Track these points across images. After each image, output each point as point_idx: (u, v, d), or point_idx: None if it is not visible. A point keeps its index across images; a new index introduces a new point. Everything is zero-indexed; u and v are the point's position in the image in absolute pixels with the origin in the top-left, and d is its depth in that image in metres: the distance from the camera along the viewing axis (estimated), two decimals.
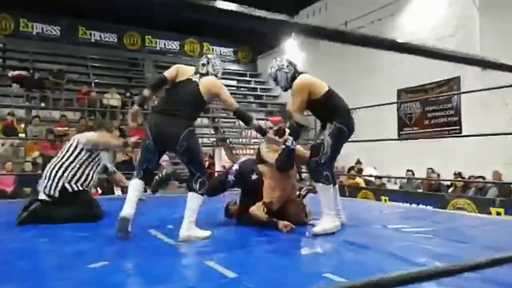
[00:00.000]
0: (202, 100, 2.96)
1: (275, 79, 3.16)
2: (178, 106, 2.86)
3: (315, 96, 2.98)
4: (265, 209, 3.01)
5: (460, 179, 8.28)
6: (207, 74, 3.02)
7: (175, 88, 2.94)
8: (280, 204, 3.11)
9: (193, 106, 2.94)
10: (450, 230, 3.02)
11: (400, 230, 2.94)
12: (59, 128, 9.21)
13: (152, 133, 2.87)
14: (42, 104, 10.56)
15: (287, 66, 3.11)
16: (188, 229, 2.64)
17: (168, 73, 2.97)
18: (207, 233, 2.72)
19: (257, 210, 3.04)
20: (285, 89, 3.16)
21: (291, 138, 2.95)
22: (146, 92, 2.91)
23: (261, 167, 3.22)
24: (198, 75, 2.99)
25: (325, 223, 2.83)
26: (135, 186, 2.80)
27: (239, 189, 3.45)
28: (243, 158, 3.54)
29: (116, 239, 2.62)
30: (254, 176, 3.23)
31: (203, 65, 3.07)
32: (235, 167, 3.36)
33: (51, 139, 8.60)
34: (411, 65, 10.06)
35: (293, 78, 3.07)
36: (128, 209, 2.65)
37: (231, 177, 3.29)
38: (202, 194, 2.77)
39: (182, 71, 2.99)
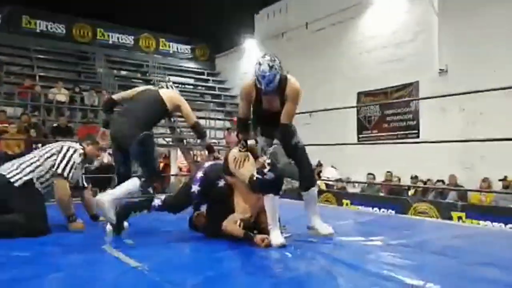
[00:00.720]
0: (164, 108, 3.22)
1: (271, 81, 2.64)
2: (137, 111, 3.12)
3: None
4: (242, 225, 2.67)
5: (419, 182, 8.39)
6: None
7: (136, 97, 3.26)
8: (254, 215, 2.78)
9: (152, 111, 3.18)
10: (429, 241, 2.84)
11: (385, 243, 2.71)
12: None
13: (111, 132, 3.18)
14: None
15: (279, 66, 2.67)
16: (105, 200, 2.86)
17: (117, 94, 3.43)
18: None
19: (231, 225, 2.69)
20: (272, 90, 2.69)
21: (271, 174, 2.60)
22: (104, 116, 3.42)
23: (229, 179, 2.87)
24: (157, 87, 3.43)
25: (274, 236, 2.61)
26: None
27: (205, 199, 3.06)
28: (208, 163, 3.13)
29: (59, 261, 2.18)
30: (221, 183, 2.89)
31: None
32: (200, 174, 2.95)
33: None
34: (371, 68, 10.13)
35: (281, 78, 2.70)
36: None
37: (195, 187, 2.88)
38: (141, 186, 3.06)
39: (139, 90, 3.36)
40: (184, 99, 3.33)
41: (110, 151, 9.63)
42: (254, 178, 2.64)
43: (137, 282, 1.86)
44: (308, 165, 2.98)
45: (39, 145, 8.34)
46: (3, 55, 11.77)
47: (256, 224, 2.83)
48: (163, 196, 3.01)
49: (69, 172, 3.01)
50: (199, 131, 3.34)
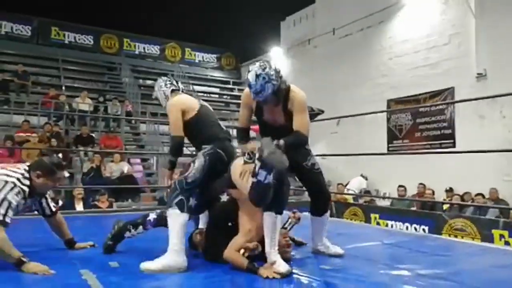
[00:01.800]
0: None
1: (258, 91, 2.40)
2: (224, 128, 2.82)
3: None
4: (246, 254, 2.30)
5: (455, 196, 7.73)
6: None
7: (204, 114, 2.75)
8: (259, 237, 2.40)
9: None
10: (468, 272, 2.37)
11: (415, 273, 2.26)
12: (19, 134, 8.36)
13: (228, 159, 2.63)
14: (5, 107, 9.67)
15: (276, 77, 2.42)
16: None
17: (178, 130, 2.66)
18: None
19: (233, 253, 2.32)
20: (264, 100, 2.46)
21: (263, 171, 2.18)
22: (172, 158, 2.77)
23: (233, 192, 2.52)
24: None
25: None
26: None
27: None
28: None
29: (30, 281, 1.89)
30: (224, 197, 2.56)
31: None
32: None
33: (9, 146, 7.73)
34: (402, 74, 9.58)
35: (280, 89, 2.46)
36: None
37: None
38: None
39: (186, 101, 2.77)
40: (173, 111, 2.71)
41: (132, 160, 9.62)
42: (250, 185, 2.27)
43: None
44: (326, 191, 2.77)
45: (60, 154, 8.34)
46: (32, 66, 12.00)
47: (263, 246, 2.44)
48: (158, 211, 2.69)
49: (5, 215, 2.26)
50: (172, 146, 2.76)
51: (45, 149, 7.92)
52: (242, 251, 2.31)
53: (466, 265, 2.62)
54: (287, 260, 2.40)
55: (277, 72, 2.44)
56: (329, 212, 2.76)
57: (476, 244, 3.91)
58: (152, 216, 2.68)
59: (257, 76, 2.38)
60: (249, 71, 2.45)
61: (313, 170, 2.65)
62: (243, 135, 2.70)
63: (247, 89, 2.53)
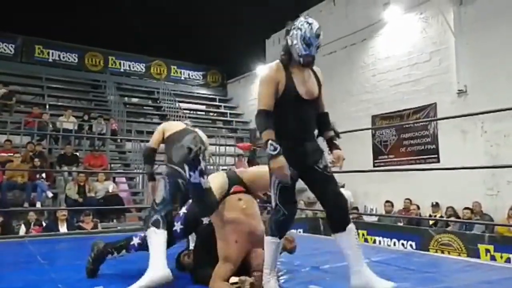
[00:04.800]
0: None
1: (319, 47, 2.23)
2: None
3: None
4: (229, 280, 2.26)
5: (439, 210, 7.81)
6: None
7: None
8: (238, 262, 2.36)
9: None
10: None
11: None
12: (1, 154, 8.19)
13: None
14: None
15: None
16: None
17: (153, 142, 3.00)
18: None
19: (218, 283, 2.27)
20: (313, 60, 2.24)
21: (187, 168, 2.16)
22: (146, 168, 3.07)
23: (212, 217, 2.50)
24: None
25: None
26: None
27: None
28: (190, 201, 2.77)
29: None
30: (206, 220, 2.54)
31: None
32: (183, 210, 2.61)
33: None
34: (386, 91, 9.74)
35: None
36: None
37: (178, 225, 2.52)
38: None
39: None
40: (159, 129, 3.03)
41: (118, 179, 9.49)
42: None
43: None
44: (343, 197, 2.28)
45: (43, 174, 8.19)
46: (15, 84, 11.85)
47: (245, 264, 2.40)
48: (142, 234, 2.65)
49: None
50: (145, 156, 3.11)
51: (28, 169, 7.80)
52: (233, 279, 2.25)
53: (453, 282, 2.63)
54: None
55: None
56: (353, 224, 2.22)
57: (462, 259, 3.93)
58: (136, 240, 2.65)
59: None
60: (310, 23, 2.18)
61: (325, 172, 2.24)
62: (269, 122, 2.14)
63: (274, 63, 2.28)
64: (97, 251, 2.65)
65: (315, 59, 2.25)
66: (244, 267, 2.36)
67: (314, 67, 2.31)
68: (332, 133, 2.40)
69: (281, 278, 2.56)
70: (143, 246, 2.57)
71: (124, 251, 2.63)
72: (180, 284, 2.45)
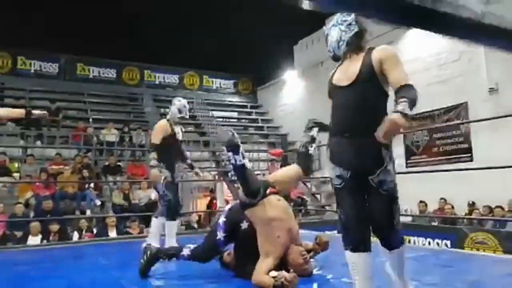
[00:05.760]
0: None
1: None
2: None
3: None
4: (270, 273, 2.56)
5: (476, 209, 7.81)
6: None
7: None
8: (279, 257, 2.66)
9: None
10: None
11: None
12: (53, 167, 8.88)
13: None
14: (38, 143, 10.28)
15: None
16: None
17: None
18: None
19: (260, 276, 2.56)
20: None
21: (230, 154, 2.56)
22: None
23: (247, 212, 2.81)
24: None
25: None
26: None
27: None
28: (228, 206, 3.11)
29: None
30: (244, 225, 2.84)
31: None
32: (222, 219, 2.93)
33: (44, 179, 8.23)
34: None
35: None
36: None
37: (220, 234, 2.85)
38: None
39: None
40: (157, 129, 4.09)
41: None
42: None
43: None
44: (393, 227, 1.99)
45: (92, 184, 8.81)
46: (61, 101, 12.69)
47: (283, 259, 2.70)
48: (192, 246, 2.97)
49: None
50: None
51: (78, 181, 8.43)
52: (273, 273, 2.53)
53: (476, 275, 2.83)
54: (307, 275, 2.67)
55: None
56: (404, 245, 2.03)
57: (491, 255, 4.06)
58: (186, 251, 2.95)
59: None
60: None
61: (380, 191, 1.91)
62: None
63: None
64: (150, 255, 2.95)
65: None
66: (282, 262, 2.67)
67: (376, 48, 2.10)
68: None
69: (316, 272, 2.84)
70: (191, 257, 2.91)
71: (174, 258, 2.97)
72: (225, 279, 2.78)
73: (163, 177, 3.81)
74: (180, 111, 4.08)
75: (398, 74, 1.97)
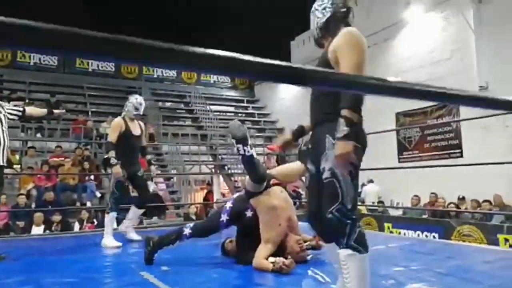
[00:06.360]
0: None
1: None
2: None
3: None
4: (269, 258, 2.81)
5: (465, 203, 8.10)
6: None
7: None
8: (277, 244, 2.91)
9: None
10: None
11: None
12: (54, 159, 9.07)
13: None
14: (38, 135, 10.45)
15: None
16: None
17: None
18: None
19: (260, 261, 2.81)
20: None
21: (240, 145, 2.78)
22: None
23: (252, 201, 3.04)
24: None
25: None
26: None
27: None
28: (235, 195, 3.35)
29: (103, 285, 2.46)
30: (249, 213, 3.06)
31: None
32: (229, 204, 3.17)
33: (46, 171, 8.42)
34: None
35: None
36: None
37: (224, 217, 3.09)
38: None
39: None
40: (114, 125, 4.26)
41: (155, 180, 10.25)
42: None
43: None
44: (324, 216, 1.79)
45: (92, 176, 9.01)
46: (60, 93, 12.83)
47: (281, 246, 2.95)
48: (191, 225, 3.20)
49: None
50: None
51: (79, 173, 8.63)
52: (272, 259, 2.78)
53: (452, 262, 3.08)
54: (303, 261, 2.91)
55: None
56: (345, 240, 1.71)
57: (471, 245, 4.33)
58: (187, 231, 3.14)
59: None
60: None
61: (322, 178, 1.79)
62: None
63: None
64: (153, 245, 3.09)
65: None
66: (281, 249, 2.92)
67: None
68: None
69: (310, 258, 3.06)
70: (193, 234, 3.14)
71: (178, 241, 3.19)
72: (228, 265, 3.02)
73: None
74: (136, 109, 4.21)
75: (344, 66, 1.79)
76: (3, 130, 3.34)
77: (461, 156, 8.83)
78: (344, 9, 1.99)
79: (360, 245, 1.70)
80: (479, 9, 8.51)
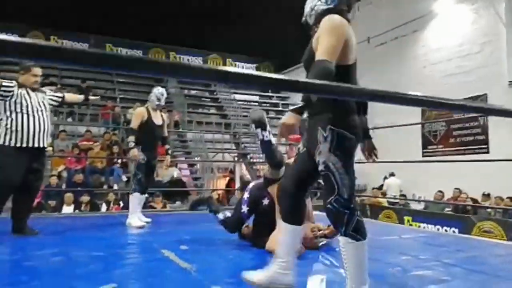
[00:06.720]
0: None
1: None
2: None
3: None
4: None
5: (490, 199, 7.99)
6: None
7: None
8: None
9: None
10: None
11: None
12: (84, 143, 9.44)
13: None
14: (69, 120, 10.88)
15: None
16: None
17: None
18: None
19: (274, 245, 2.93)
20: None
21: (259, 130, 2.85)
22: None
23: (270, 188, 3.16)
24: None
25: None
26: None
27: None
28: (251, 184, 3.47)
29: (126, 260, 2.66)
30: (266, 201, 3.19)
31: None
32: (246, 195, 3.30)
33: (76, 154, 8.81)
34: (436, 82, 9.87)
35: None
36: None
37: (245, 208, 3.23)
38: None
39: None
40: (137, 114, 4.39)
41: (180, 165, 10.54)
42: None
43: (184, 280, 2.24)
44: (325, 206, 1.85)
45: (119, 160, 9.35)
46: (90, 80, 13.27)
47: None
48: (227, 213, 3.39)
49: None
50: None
51: (107, 157, 8.98)
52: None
53: (462, 255, 3.13)
54: (315, 248, 3.03)
55: None
56: (343, 229, 1.78)
57: (487, 240, 4.32)
58: (220, 216, 3.40)
59: None
60: None
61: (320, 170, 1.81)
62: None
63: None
64: (212, 207, 3.55)
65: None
66: None
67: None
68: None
69: (321, 244, 3.17)
70: (222, 223, 3.34)
71: (213, 214, 3.47)
72: (245, 247, 3.17)
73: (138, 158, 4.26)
74: (158, 99, 4.43)
75: (319, 50, 1.74)
76: (46, 116, 3.57)
77: (487, 152, 8.68)
78: (347, 4, 1.93)
79: (359, 234, 1.77)
80: (511, 2, 8.26)
